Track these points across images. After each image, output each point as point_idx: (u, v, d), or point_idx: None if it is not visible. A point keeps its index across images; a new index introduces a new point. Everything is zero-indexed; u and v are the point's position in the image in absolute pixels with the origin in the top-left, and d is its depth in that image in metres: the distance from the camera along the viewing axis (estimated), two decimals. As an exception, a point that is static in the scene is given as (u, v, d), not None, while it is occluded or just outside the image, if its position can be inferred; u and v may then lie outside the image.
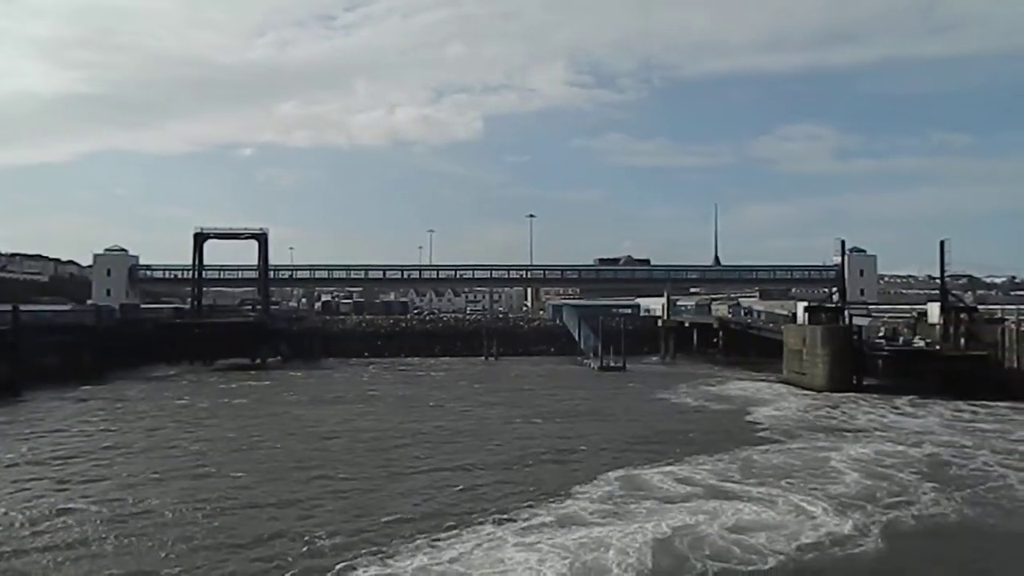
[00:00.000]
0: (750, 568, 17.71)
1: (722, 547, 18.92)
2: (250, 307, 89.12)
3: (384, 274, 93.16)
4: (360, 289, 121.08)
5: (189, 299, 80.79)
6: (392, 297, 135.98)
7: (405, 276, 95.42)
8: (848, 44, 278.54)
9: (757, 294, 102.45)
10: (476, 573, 17.27)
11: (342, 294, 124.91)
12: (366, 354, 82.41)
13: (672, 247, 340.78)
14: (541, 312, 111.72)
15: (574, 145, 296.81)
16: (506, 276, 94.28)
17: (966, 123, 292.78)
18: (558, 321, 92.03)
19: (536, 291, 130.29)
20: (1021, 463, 28.50)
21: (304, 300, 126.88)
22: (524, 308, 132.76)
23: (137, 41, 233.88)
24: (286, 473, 27.56)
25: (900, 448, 31.44)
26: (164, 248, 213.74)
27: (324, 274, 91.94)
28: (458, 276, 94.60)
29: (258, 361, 71.91)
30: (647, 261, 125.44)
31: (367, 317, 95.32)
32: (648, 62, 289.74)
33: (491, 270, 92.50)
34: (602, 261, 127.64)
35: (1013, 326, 49.90)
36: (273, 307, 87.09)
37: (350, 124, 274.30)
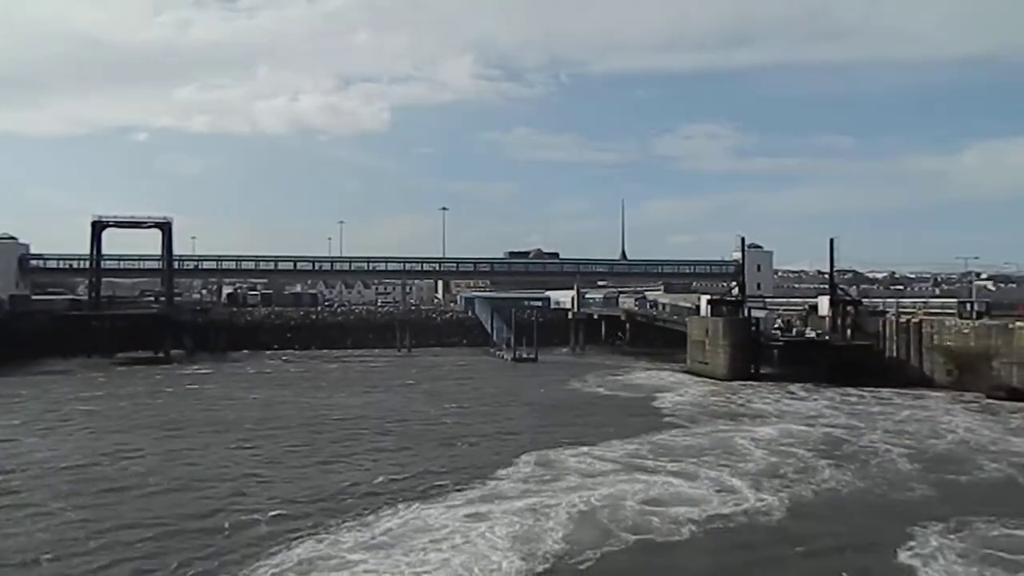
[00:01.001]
0: (668, 538, 19.31)
1: (641, 519, 20.59)
2: (152, 298, 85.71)
3: (295, 265, 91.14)
4: (264, 281, 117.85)
5: (87, 290, 76.88)
6: (299, 289, 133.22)
7: (317, 268, 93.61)
8: (744, 46, 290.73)
9: (662, 287, 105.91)
10: (419, 540, 18.81)
11: (246, 285, 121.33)
12: (275, 346, 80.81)
13: (579, 240, 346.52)
14: (453, 304, 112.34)
15: (483, 138, 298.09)
16: (420, 268, 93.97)
17: (850, 126, 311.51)
18: (470, 313, 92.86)
19: (447, 283, 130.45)
20: (902, 441, 31.51)
21: (204, 291, 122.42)
22: (435, 300, 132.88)
23: (7, 14, 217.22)
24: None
25: (798, 429, 34.18)
26: (55, 237, 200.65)
27: (232, 264, 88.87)
28: (371, 268, 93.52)
29: (162, 354, 69.54)
30: (556, 254, 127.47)
31: (276, 309, 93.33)
32: (555, 58, 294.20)
33: (405, 262, 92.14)
34: (512, 254, 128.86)
35: (893, 318, 54.18)
36: (176, 298, 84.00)
37: (253, 111, 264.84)
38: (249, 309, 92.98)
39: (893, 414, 38.45)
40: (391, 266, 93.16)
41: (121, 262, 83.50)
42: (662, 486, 23.94)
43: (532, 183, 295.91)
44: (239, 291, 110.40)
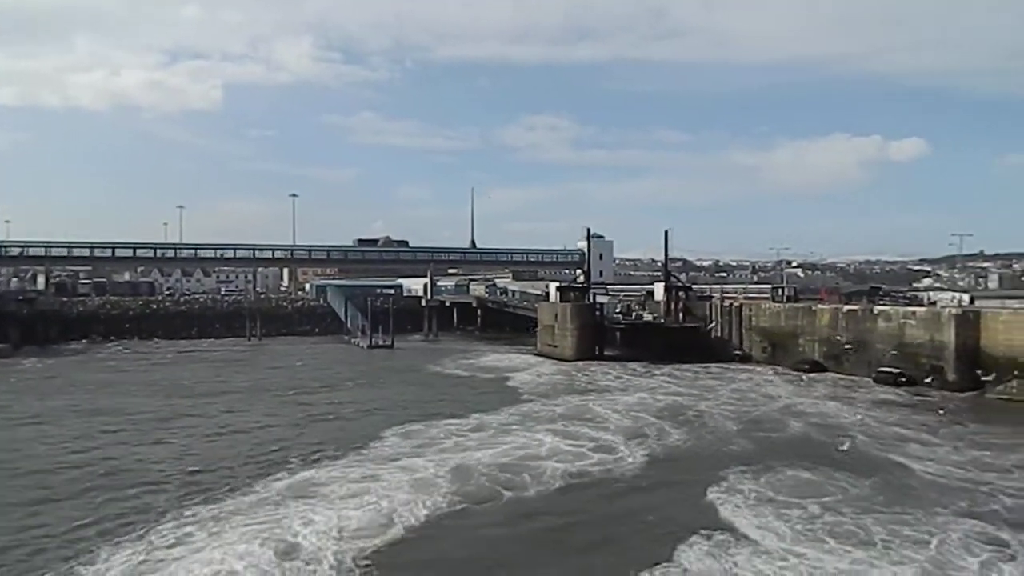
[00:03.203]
0: (540, 489, 22.38)
1: (513, 473, 23.56)
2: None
3: (135, 252, 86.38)
4: (89, 268, 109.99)
5: None
6: (127, 277, 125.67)
7: (159, 255, 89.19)
8: (586, 41, 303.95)
9: (510, 275, 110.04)
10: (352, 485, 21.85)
11: (69, 273, 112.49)
12: (112, 338, 76.68)
13: (424, 228, 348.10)
14: (301, 292, 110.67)
15: (325, 121, 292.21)
16: (271, 256, 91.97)
17: (683, 122, 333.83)
18: (322, 301, 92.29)
19: (293, 271, 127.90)
20: (725, 407, 36.33)
21: (16, 280, 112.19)
22: (282, 288, 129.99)
23: None
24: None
25: (643, 398, 38.62)
26: None
27: (63, 251, 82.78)
28: (219, 256, 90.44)
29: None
30: (405, 242, 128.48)
31: (111, 298, 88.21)
32: (401, 43, 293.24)
33: (254, 249, 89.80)
34: (361, 241, 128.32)
35: (718, 302, 60.50)
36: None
37: (67, 84, 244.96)
38: (81, 299, 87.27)
39: (721, 385, 43.68)
40: (240, 253, 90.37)
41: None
42: (532, 446, 27.35)
43: (376, 169, 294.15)
44: (66, 279, 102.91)
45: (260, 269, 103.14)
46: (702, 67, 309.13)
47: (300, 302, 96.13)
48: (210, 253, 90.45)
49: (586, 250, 79.89)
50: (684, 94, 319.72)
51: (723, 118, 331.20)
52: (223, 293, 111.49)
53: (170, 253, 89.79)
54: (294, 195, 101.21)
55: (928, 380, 41.31)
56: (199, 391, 43.02)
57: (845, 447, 28.11)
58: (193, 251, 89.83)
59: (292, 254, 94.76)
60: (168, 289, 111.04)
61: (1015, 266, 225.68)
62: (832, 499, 20.82)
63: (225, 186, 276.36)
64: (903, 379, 42.11)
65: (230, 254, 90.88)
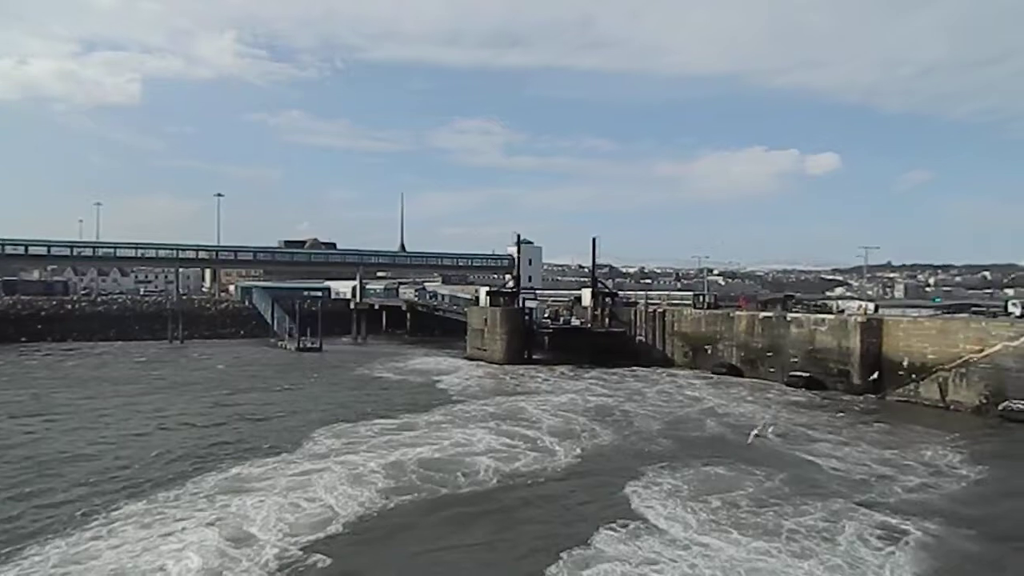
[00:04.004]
0: (471, 483, 23.20)
1: (446, 470, 24.34)
2: None
3: (49, 250, 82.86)
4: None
5: None
6: (36, 275, 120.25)
7: (76, 253, 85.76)
8: (517, 47, 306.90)
9: (440, 279, 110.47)
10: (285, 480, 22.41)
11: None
12: (23, 339, 73.59)
13: (352, 230, 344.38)
14: (224, 294, 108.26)
15: (249, 119, 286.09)
16: (195, 256, 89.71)
17: (611, 130, 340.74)
18: (248, 303, 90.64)
19: (215, 272, 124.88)
20: (649, 408, 37.95)
21: None
22: (203, 290, 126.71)
23: None
24: None
25: (572, 399, 39.95)
26: None
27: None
28: (140, 255, 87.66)
29: None
30: (333, 245, 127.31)
31: (21, 298, 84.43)
32: (330, 42, 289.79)
33: (177, 249, 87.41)
34: (288, 243, 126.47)
35: (642, 308, 62.52)
36: None
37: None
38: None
39: (646, 388, 45.39)
40: (162, 253, 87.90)
41: None
42: (464, 444, 28.26)
43: (303, 169, 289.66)
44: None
45: (181, 270, 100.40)
46: (629, 77, 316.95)
47: (224, 304, 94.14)
48: (130, 252, 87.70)
49: (516, 255, 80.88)
50: (612, 103, 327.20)
51: (649, 128, 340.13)
52: (142, 294, 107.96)
53: (87, 252, 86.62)
54: (219, 195, 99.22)
55: (836, 383, 43.90)
56: (124, 392, 42.12)
57: (750, 441, 30.15)
58: (112, 250, 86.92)
59: (217, 255, 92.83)
60: (84, 289, 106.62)
61: (919, 277, 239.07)
62: (742, 493, 22.26)
63: (143, 183, 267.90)
64: (813, 382, 44.63)
65: (152, 254, 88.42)
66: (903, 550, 17.71)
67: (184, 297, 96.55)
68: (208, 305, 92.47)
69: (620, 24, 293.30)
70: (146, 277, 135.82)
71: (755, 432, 31.44)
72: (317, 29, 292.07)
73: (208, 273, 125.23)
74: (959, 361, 38.41)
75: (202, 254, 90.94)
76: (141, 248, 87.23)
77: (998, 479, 24.90)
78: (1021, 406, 34.61)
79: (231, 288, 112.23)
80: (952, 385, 38.61)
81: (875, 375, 42.40)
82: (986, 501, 22.46)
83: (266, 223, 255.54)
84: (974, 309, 54.84)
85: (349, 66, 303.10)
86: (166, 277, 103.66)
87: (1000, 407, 35.52)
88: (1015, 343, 36.20)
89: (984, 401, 36.86)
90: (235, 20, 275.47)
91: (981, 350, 37.57)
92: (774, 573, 16.14)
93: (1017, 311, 47.42)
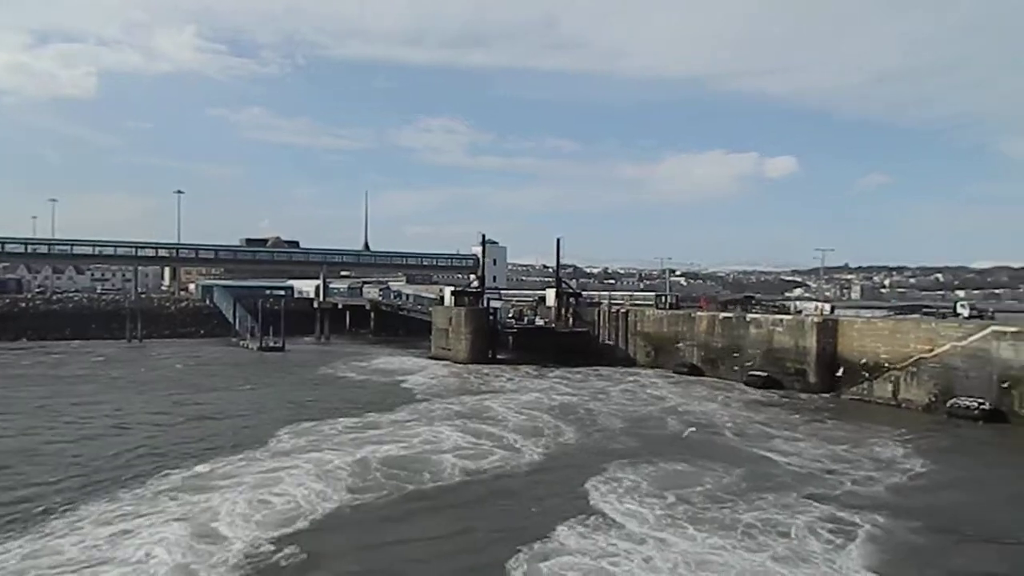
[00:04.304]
0: (437, 480, 23.52)
1: (412, 468, 24.56)
2: None
3: (3, 247, 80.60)
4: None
5: None
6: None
7: (31, 250, 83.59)
8: (482, 47, 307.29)
9: (404, 278, 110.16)
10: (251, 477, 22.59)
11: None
12: (-26, 338, 71.82)
13: (314, 228, 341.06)
14: (184, 292, 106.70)
15: (209, 115, 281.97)
16: (154, 254, 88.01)
17: (575, 131, 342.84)
18: (208, 302, 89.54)
19: (175, 271, 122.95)
20: (612, 407, 38.58)
21: None
22: (163, 288, 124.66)
23: None
24: None
25: (537, 398, 40.41)
26: None
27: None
28: (98, 252, 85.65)
29: None
30: (296, 243, 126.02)
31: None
32: (292, 38, 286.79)
33: (136, 247, 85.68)
34: (249, 241, 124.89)
35: (606, 309, 63.29)
36: None
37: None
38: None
39: (609, 387, 46.02)
40: (121, 251, 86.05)
41: None
42: (430, 441, 28.60)
43: (264, 166, 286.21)
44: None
45: (140, 268, 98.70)
46: (593, 79, 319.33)
47: (185, 303, 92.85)
48: (87, 250, 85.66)
49: (481, 255, 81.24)
50: (576, 104, 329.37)
51: (612, 130, 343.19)
52: (99, 292, 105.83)
53: (43, 249, 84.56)
54: (179, 192, 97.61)
55: (793, 382, 44.99)
56: (83, 391, 41.62)
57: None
58: (68, 247, 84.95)
59: (177, 253, 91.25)
60: (39, 287, 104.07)
61: (875, 278, 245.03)
62: (701, 488, 22.83)
63: (100, 179, 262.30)
64: (771, 381, 45.66)
65: (110, 251, 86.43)
66: (852, 542, 18.33)
67: (143, 296, 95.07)
68: (168, 304, 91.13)
69: (584, 26, 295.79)
70: (103, 275, 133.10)
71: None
72: (279, 25, 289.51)
73: (167, 271, 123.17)
74: (910, 361, 39.66)
75: (162, 252, 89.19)
76: (99, 246, 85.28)
77: (942, 473, 25.88)
78: (967, 403, 35.90)
79: (191, 287, 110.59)
80: (904, 384, 39.87)
81: (840, 372, 43.47)
82: (931, 494, 23.36)
83: (227, 221, 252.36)
84: (925, 310, 56.61)
85: (311, 63, 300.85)
86: (124, 275, 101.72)
87: (948, 404, 36.79)
88: (962, 343, 37.51)
89: (933, 399, 38.12)
90: (194, 14, 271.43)
91: (931, 350, 38.85)
92: (727, 566, 16.61)
93: (965, 312, 49.14)
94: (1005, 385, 35.10)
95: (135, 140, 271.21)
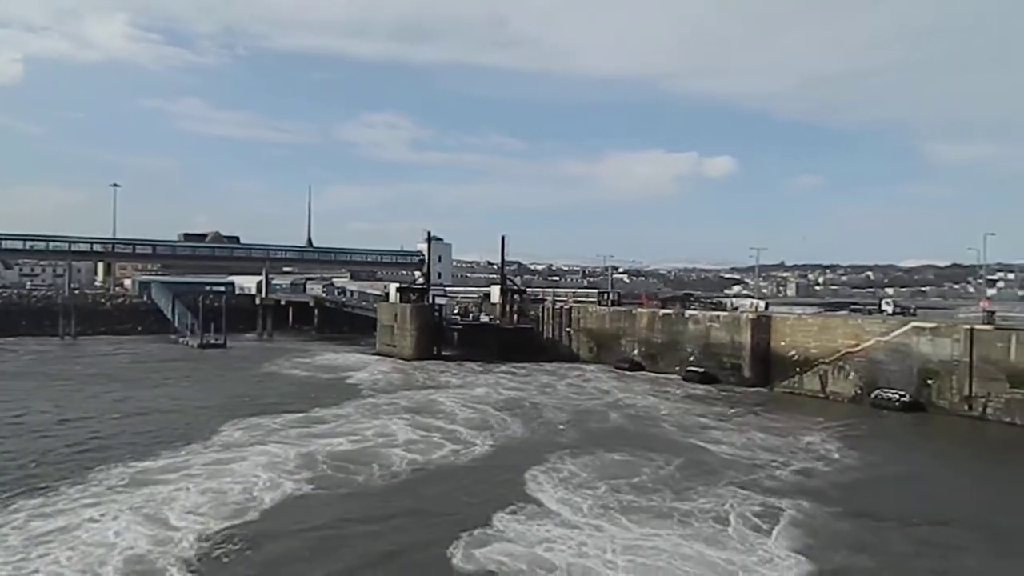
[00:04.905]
0: (384, 472, 24.07)
1: (359, 462, 25.04)
2: None
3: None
4: None
5: None
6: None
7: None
8: (427, 42, 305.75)
9: (348, 275, 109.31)
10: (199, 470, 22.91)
11: None
12: None
13: (253, 224, 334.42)
14: (119, 288, 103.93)
15: (143, 106, 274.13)
16: (88, 249, 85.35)
17: (519, 129, 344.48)
18: (146, 298, 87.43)
19: (108, 266, 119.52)
20: (557, 401, 39.64)
21: None
22: (96, 284, 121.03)
23: None
24: None
25: (482, 394, 41.02)
26: None
27: None
28: (28, 247, 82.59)
29: None
30: (236, 238, 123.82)
31: None
32: (231, 28, 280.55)
33: (70, 242, 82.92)
34: (188, 236, 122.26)
35: (550, 305, 64.34)
36: None
37: None
38: None
39: (554, 382, 47.10)
40: (54, 245, 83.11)
41: None
42: (375, 436, 29.15)
43: (202, 160, 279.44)
44: None
45: (72, 263, 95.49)
46: (539, 77, 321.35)
47: (121, 299, 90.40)
48: (17, 244, 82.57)
49: (426, 252, 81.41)
50: (521, 102, 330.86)
51: (557, 128, 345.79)
52: (29, 288, 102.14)
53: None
54: (115, 185, 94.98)
55: (729, 377, 46.66)
56: (14, 388, 40.74)
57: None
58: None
59: (113, 248, 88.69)
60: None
61: (810, 276, 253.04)
62: (638, 478, 23.82)
63: (27, 170, 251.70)
64: (708, 376, 47.27)
65: (42, 246, 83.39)
66: (777, 526, 19.50)
67: (76, 292, 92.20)
68: (103, 300, 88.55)
69: (531, 24, 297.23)
70: (32, 270, 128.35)
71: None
72: (218, 15, 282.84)
73: (101, 267, 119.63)
74: (838, 355, 41.67)
75: (97, 247, 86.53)
76: (30, 240, 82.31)
77: (862, 460, 27.48)
78: (889, 395, 38.01)
79: (127, 282, 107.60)
80: (831, 377, 41.87)
81: (765, 369, 45.29)
82: (852, 481, 24.84)
83: (162, 215, 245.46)
84: (852, 307, 59.28)
85: (252, 54, 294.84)
86: (55, 271, 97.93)
87: (872, 396, 38.88)
88: (886, 338, 39.62)
89: (859, 391, 40.18)
90: (127, 1, 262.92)
91: (857, 345, 40.91)
92: (658, 550, 17.54)
93: (889, 309, 51.73)
94: (927, 380, 37.27)
95: (64, 130, 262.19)
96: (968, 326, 36.77)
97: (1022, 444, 31.17)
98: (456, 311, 68.48)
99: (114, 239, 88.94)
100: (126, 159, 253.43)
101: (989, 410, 34.55)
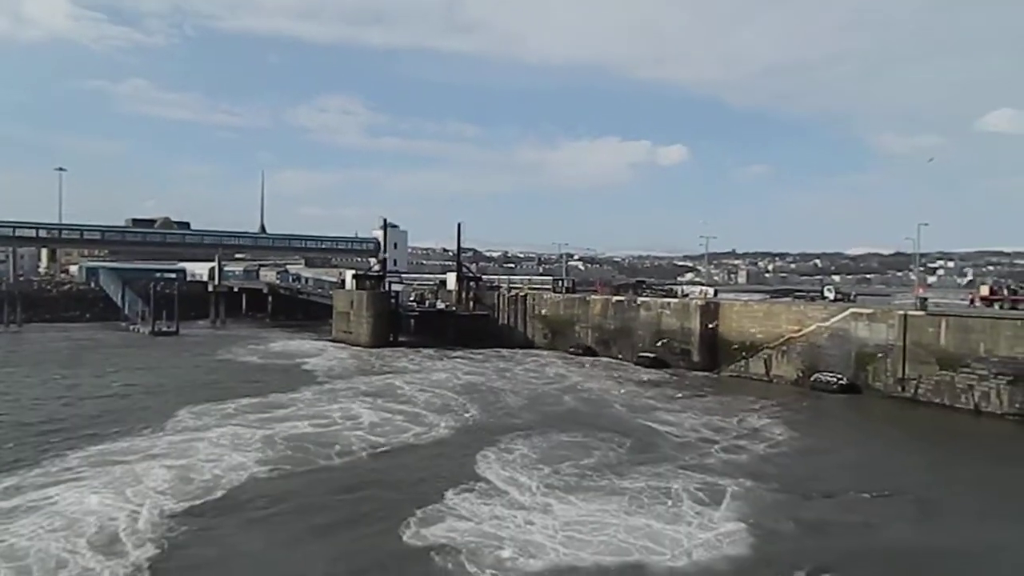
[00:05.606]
0: (343, 454, 24.80)
1: (316, 444, 25.67)
2: None
3: None
4: None
5: None
6: None
7: None
8: (381, 25, 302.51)
9: (302, 262, 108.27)
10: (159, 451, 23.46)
11: None
12: None
13: (203, 209, 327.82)
14: (64, 275, 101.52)
15: (86, 87, 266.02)
16: (34, 235, 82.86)
17: (474, 115, 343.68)
18: (93, 285, 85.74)
19: (53, 252, 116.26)
20: (514, 385, 40.68)
21: None
22: (39, 270, 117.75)
23: None
24: None
25: (442, 378, 41.94)
26: None
27: None
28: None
29: None
30: (187, 224, 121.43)
31: None
32: (180, 7, 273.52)
33: (14, 227, 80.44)
34: (136, 222, 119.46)
35: (505, 292, 65.17)
36: None
37: None
38: None
39: (509, 367, 48.10)
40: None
41: None
42: (343, 418, 29.93)
43: (149, 143, 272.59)
44: None
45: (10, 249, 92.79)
46: (494, 63, 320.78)
47: (67, 285, 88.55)
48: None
49: (382, 239, 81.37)
50: (477, 88, 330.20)
51: (512, 115, 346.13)
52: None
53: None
54: (61, 169, 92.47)
55: (679, 362, 48.15)
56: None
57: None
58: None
59: (60, 233, 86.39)
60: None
61: (760, 264, 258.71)
62: (589, 459, 24.85)
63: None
64: (659, 361, 48.69)
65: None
66: (721, 502, 20.67)
67: (22, 279, 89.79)
68: (48, 287, 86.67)
69: (487, 8, 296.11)
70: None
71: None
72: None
73: (45, 253, 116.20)
74: (782, 340, 43.39)
75: (43, 232, 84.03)
76: (-33, 224, 79.66)
77: (800, 440, 28.96)
78: (828, 378, 39.84)
79: (72, 269, 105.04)
80: (775, 361, 43.58)
81: (713, 353, 46.83)
82: (790, 459, 26.24)
83: (109, 200, 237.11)
84: (796, 294, 61.41)
85: (201, 35, 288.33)
86: (12, 257, 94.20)
87: (812, 379, 40.67)
88: (826, 324, 41.41)
89: (801, 375, 41.94)
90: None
91: (799, 330, 42.66)
92: (605, 524, 18.54)
93: (831, 296, 53.79)
94: (864, 364, 39.13)
95: (3, 111, 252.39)
96: (902, 312, 38.68)
97: (949, 423, 33.04)
98: (412, 298, 68.89)
99: (61, 224, 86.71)
100: (70, 141, 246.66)
101: (920, 391, 36.48)
